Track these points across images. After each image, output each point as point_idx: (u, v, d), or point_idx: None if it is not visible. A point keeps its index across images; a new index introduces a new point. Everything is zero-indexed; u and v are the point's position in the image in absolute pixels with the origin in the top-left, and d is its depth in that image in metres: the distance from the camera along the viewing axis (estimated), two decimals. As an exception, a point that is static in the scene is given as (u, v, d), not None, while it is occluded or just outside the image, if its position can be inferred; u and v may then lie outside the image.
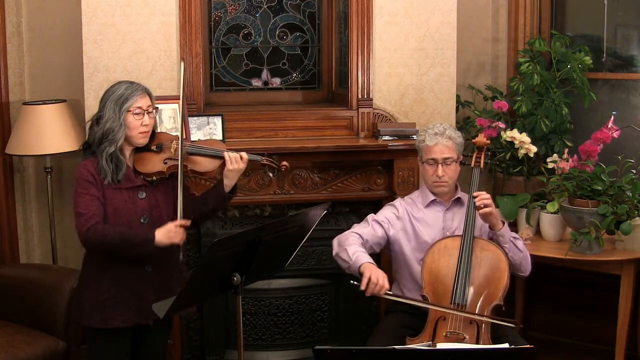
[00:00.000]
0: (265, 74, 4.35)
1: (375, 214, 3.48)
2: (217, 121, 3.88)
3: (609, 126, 3.87)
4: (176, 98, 3.83)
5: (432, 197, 3.45)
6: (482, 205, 3.22)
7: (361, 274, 3.11)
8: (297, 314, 4.01)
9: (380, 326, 3.46)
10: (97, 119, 2.98)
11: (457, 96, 4.28)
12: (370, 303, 4.11)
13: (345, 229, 3.92)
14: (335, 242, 3.35)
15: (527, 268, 3.39)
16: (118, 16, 3.79)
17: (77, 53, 3.90)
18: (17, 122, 4.06)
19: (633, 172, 3.78)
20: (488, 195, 3.26)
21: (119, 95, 2.96)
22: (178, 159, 2.99)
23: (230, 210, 4.02)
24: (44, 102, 4.02)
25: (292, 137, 3.99)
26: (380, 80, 4.05)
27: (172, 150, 3.05)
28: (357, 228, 3.40)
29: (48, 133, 3.95)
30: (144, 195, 3.02)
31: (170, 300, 2.67)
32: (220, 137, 3.86)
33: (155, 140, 3.09)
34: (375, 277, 3.06)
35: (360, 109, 4.03)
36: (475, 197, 3.25)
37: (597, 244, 3.75)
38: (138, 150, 3.05)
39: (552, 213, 3.97)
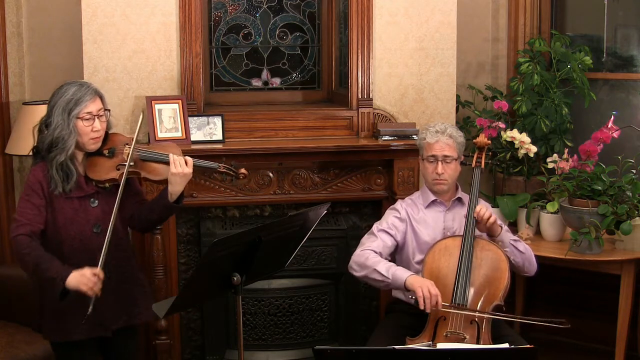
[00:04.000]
0: (265, 74, 4.35)
1: (378, 222, 3.46)
2: (217, 121, 3.88)
3: (609, 126, 3.87)
4: (176, 98, 3.83)
5: (432, 198, 3.45)
6: (485, 222, 3.22)
7: (407, 289, 3.11)
8: (297, 314, 4.01)
9: (380, 326, 3.46)
10: (46, 125, 2.84)
11: (457, 96, 4.28)
12: (370, 303, 4.11)
13: (345, 228, 3.95)
14: (353, 265, 3.31)
15: (531, 268, 3.39)
16: (118, 16, 3.79)
17: (77, 53, 3.90)
18: (17, 122, 4.06)
19: (633, 172, 3.78)
20: (485, 208, 3.26)
21: (67, 101, 2.82)
22: (132, 164, 2.87)
23: (230, 210, 4.02)
24: (44, 102, 4.00)
25: (292, 137, 3.98)
26: (380, 80, 4.05)
27: (125, 155, 2.90)
28: (367, 244, 3.35)
29: (48, 133, 3.95)
30: (96, 203, 2.91)
31: (170, 300, 2.67)
32: (220, 137, 3.86)
33: (109, 144, 2.95)
34: (427, 290, 3.05)
35: (360, 109, 4.03)
36: (476, 218, 3.24)
37: (597, 244, 3.75)
38: (90, 154, 2.93)
39: (552, 213, 3.97)
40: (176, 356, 3.94)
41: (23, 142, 3.98)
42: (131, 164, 2.89)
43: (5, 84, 4.16)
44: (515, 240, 3.34)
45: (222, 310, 3.93)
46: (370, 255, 3.28)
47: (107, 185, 2.91)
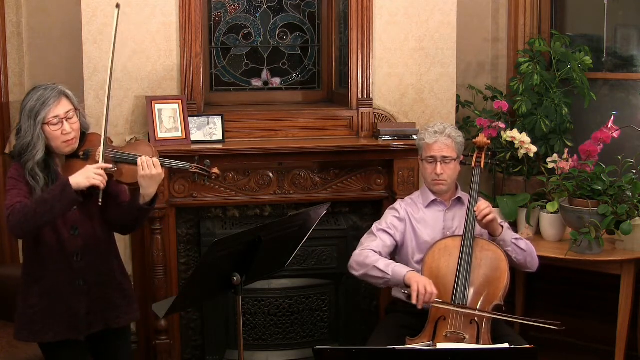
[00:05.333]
0: (265, 74, 4.35)
1: (378, 222, 3.47)
2: (217, 121, 3.88)
3: (609, 126, 3.87)
4: (176, 98, 3.83)
5: (432, 197, 3.45)
6: (482, 218, 3.22)
7: (407, 285, 3.10)
8: (297, 314, 4.01)
9: (380, 326, 3.46)
10: (17, 130, 2.80)
11: (457, 96, 4.28)
12: (370, 303, 4.11)
13: (345, 228, 3.95)
14: (353, 264, 3.32)
15: (533, 264, 3.39)
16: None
17: (77, 53, 3.89)
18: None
19: (633, 172, 3.78)
20: (487, 205, 3.26)
21: (32, 107, 2.75)
22: (108, 167, 2.80)
23: (230, 210, 4.02)
24: (44, 102, 4.02)
25: (292, 137, 3.98)
26: (380, 80, 4.05)
27: (98, 158, 2.82)
28: (366, 243, 3.37)
29: (48, 133, 3.94)
30: (74, 207, 2.83)
31: (170, 300, 2.67)
32: (220, 137, 3.86)
33: (86, 144, 2.87)
34: (423, 286, 3.05)
35: (360, 109, 4.03)
36: (475, 211, 3.24)
37: (597, 244, 3.75)
38: (68, 157, 2.86)
39: (552, 213, 3.97)
40: (176, 356, 3.94)
41: (23, 142, 3.98)
42: (112, 167, 2.82)
43: (5, 84, 4.16)
44: (516, 238, 3.34)
45: (222, 310, 3.93)
46: (370, 254, 3.28)
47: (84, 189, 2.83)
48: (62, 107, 2.79)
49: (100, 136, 2.87)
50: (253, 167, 3.87)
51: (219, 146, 3.82)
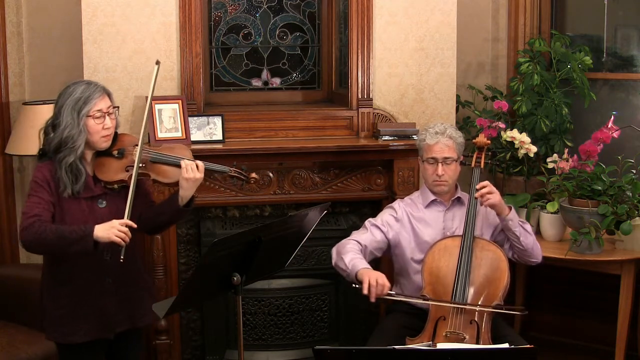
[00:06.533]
0: (265, 74, 4.35)
1: (373, 217, 3.47)
2: (217, 121, 3.88)
3: (609, 126, 3.86)
4: (176, 98, 3.83)
5: (432, 197, 3.45)
6: (486, 198, 3.23)
7: (360, 281, 3.10)
8: (297, 314, 4.01)
9: (380, 326, 3.46)
10: (53, 125, 2.82)
11: (457, 96, 4.28)
12: (370, 303, 4.10)
13: (345, 228, 3.95)
14: (334, 251, 3.35)
15: (538, 253, 3.40)
16: (118, 16, 3.79)
17: (77, 53, 3.90)
18: (17, 122, 4.06)
19: (633, 172, 3.78)
20: (488, 184, 3.26)
21: (76, 99, 2.79)
22: (136, 164, 2.83)
23: (230, 210, 4.02)
24: (44, 102, 4.02)
25: (292, 137, 3.99)
26: (380, 80, 4.05)
27: (134, 156, 2.87)
28: (355, 235, 3.39)
29: (48, 133, 3.95)
30: (104, 204, 2.88)
31: (170, 301, 2.67)
32: (220, 137, 3.86)
33: (117, 144, 2.92)
34: (374, 279, 3.06)
35: (360, 109, 4.03)
36: (477, 191, 3.25)
37: (597, 244, 3.75)
38: (99, 154, 2.90)
39: (552, 213, 3.97)
40: (176, 356, 3.94)
41: (23, 142, 3.98)
42: (141, 165, 2.87)
43: (5, 84, 4.16)
44: (522, 222, 3.36)
45: (222, 310, 3.93)
46: (349, 246, 3.30)
47: (115, 186, 2.89)
48: (105, 102, 2.84)
49: (132, 136, 3.00)
50: (253, 167, 3.86)
51: (219, 146, 3.82)
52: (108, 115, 2.84)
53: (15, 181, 4.28)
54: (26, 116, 3.98)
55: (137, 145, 2.90)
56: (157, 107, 3.79)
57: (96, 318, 2.89)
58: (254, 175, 3.07)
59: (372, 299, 3.08)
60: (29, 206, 2.77)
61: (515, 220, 3.30)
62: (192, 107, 3.88)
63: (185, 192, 2.91)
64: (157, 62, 2.93)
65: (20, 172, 4.29)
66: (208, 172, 3.00)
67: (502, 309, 3.14)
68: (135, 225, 2.76)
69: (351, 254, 3.24)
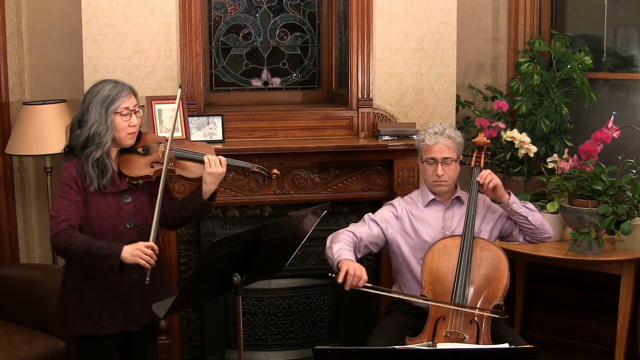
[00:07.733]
0: (265, 74, 4.35)
1: (373, 213, 3.48)
2: (217, 121, 3.88)
3: (609, 126, 3.87)
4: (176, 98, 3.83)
5: (431, 197, 3.45)
6: (489, 179, 3.25)
7: (339, 269, 3.12)
8: (297, 314, 4.01)
9: (380, 326, 3.46)
10: (80, 122, 2.89)
11: (457, 96, 4.28)
12: (370, 303, 4.11)
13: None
14: (328, 239, 3.36)
15: (549, 227, 3.39)
16: (118, 16, 3.79)
17: (77, 53, 3.90)
18: (17, 122, 4.06)
19: (633, 172, 3.78)
20: (488, 172, 3.28)
21: (104, 97, 2.87)
22: (165, 163, 2.92)
23: (230, 210, 4.02)
24: (44, 102, 4.03)
25: (292, 137, 3.99)
26: (380, 80, 4.05)
27: (159, 153, 2.97)
28: (352, 226, 3.40)
29: (48, 133, 3.95)
30: (129, 199, 2.95)
31: (170, 301, 2.67)
32: (220, 137, 3.86)
33: (142, 142, 3.00)
34: (353, 270, 3.08)
35: (360, 109, 4.03)
36: (479, 181, 3.27)
37: (597, 244, 3.75)
38: (123, 151, 2.97)
39: (552, 213, 3.97)
40: (176, 356, 3.94)
41: (23, 142, 3.99)
42: (169, 162, 2.95)
43: (5, 84, 4.16)
44: (524, 203, 3.36)
45: (222, 310, 3.94)
46: (342, 236, 3.31)
47: (140, 182, 2.96)
48: (131, 101, 2.92)
49: (154, 135, 3.15)
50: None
51: (219, 146, 3.81)
52: (134, 113, 2.92)
53: (15, 181, 4.28)
54: (26, 116, 3.98)
55: (161, 142, 3.00)
56: (157, 107, 3.79)
57: (123, 311, 2.94)
58: (275, 170, 3.16)
59: (347, 288, 3.10)
60: (57, 209, 2.84)
61: (517, 202, 3.31)
62: (192, 107, 3.88)
63: (209, 187, 3.00)
64: (180, 86, 3.11)
65: (20, 172, 4.29)
66: (231, 168, 3.09)
67: (484, 313, 3.12)
68: (157, 250, 2.82)
69: (341, 244, 3.26)
